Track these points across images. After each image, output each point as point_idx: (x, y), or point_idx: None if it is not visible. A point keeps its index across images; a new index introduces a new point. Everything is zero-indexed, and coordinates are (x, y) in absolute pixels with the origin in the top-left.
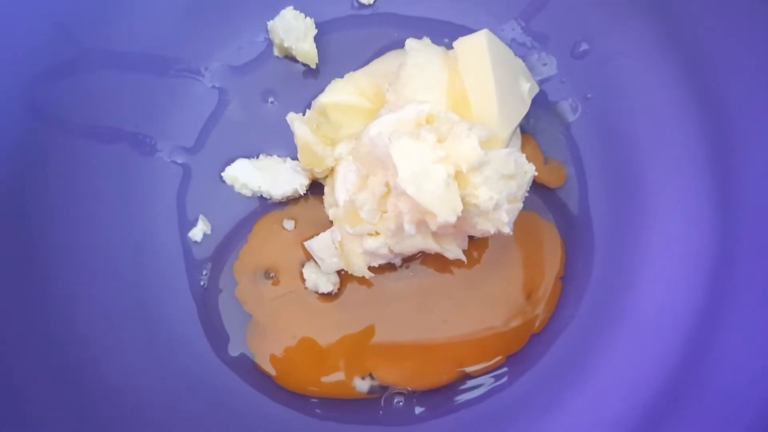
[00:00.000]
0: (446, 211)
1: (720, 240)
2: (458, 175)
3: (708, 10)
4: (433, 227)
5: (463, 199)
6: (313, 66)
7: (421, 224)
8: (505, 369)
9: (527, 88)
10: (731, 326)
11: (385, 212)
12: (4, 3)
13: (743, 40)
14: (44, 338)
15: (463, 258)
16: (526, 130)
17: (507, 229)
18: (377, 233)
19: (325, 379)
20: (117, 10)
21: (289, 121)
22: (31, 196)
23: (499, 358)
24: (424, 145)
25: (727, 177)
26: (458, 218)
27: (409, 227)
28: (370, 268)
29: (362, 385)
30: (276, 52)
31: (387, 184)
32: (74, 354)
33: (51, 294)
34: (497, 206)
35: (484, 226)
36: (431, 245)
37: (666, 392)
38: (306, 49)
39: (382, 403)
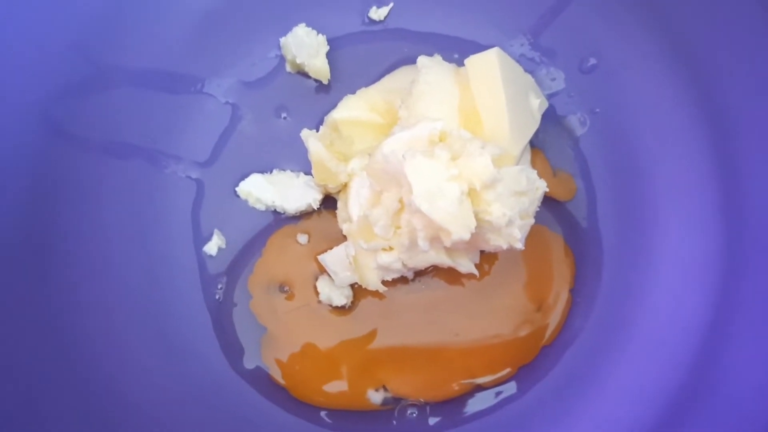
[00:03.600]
0: (460, 228)
1: (728, 252)
2: (471, 193)
3: (714, 25)
4: (447, 244)
5: (476, 216)
6: (325, 82)
7: (435, 240)
8: (516, 380)
9: (537, 104)
10: (739, 337)
11: (399, 228)
12: (24, 24)
13: (749, 54)
14: (59, 351)
15: (476, 272)
16: (535, 144)
17: (519, 245)
18: (391, 248)
19: (339, 390)
20: (132, 28)
21: (303, 138)
22: (49, 211)
23: (510, 369)
24: (437, 163)
25: (734, 190)
26: (471, 234)
27: (423, 243)
28: (383, 282)
29: (376, 397)
30: (288, 68)
31: (401, 200)
32: (91, 366)
33: (67, 307)
34: (510, 222)
35: (497, 242)
36: (444, 260)
37: (675, 403)
38: (318, 66)
39: (396, 414)
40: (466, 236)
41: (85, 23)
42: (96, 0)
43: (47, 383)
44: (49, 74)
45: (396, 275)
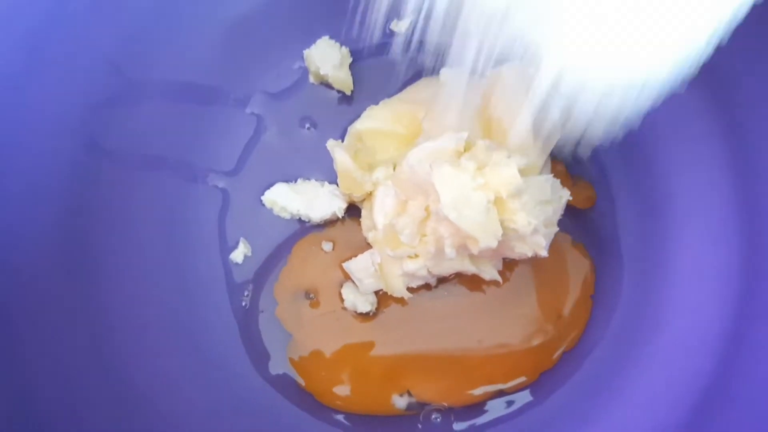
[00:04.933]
0: (487, 237)
1: (746, 261)
2: (497, 202)
3: (736, 44)
4: (475, 251)
5: (502, 224)
6: (348, 93)
7: (461, 248)
8: (537, 386)
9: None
10: (760, 344)
11: (425, 236)
12: (60, 41)
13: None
14: (91, 356)
15: (499, 279)
16: (554, 152)
17: (544, 252)
18: (416, 255)
19: (364, 395)
20: (161, 44)
21: (329, 148)
22: (82, 222)
23: (531, 375)
24: (464, 173)
25: (753, 200)
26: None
27: (450, 251)
28: (408, 289)
29: (400, 402)
30: (312, 80)
31: (426, 209)
32: (121, 372)
33: (99, 315)
34: (535, 231)
35: (522, 250)
36: (468, 267)
37: (695, 412)
38: (342, 77)
39: (421, 418)
40: (494, 244)
41: (117, 40)
42: (127, 17)
43: (80, 389)
44: (84, 89)
45: (421, 282)
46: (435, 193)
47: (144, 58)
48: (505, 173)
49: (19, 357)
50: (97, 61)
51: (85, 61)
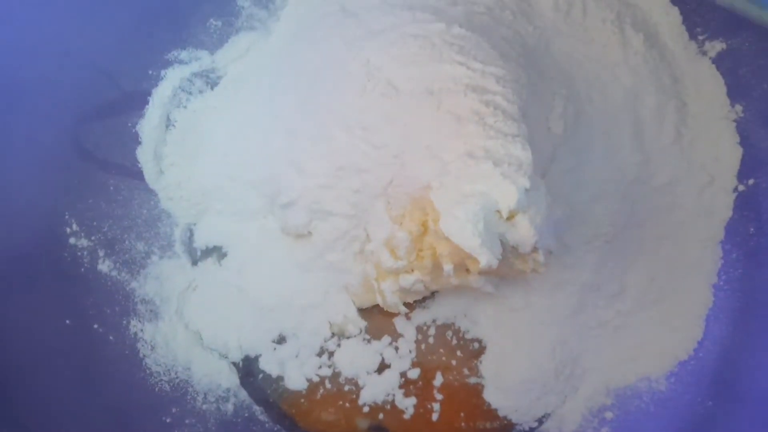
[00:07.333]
0: (488, 256)
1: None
2: (498, 219)
3: None
4: (474, 270)
5: (501, 243)
6: None
7: (459, 265)
8: None
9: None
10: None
11: (421, 251)
12: (55, 51)
13: None
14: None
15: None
16: None
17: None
18: (413, 270)
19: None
20: (154, 56)
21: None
22: (72, 229)
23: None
24: (464, 191)
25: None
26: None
27: (448, 268)
28: (404, 304)
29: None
30: None
31: (423, 224)
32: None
33: (84, 336)
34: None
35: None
36: (465, 282)
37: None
38: None
39: None
40: (494, 264)
41: (111, 51)
42: (121, 29)
43: None
44: (77, 98)
45: (418, 297)
46: (434, 211)
47: (137, 69)
48: (506, 191)
49: None
50: (90, 71)
51: (78, 71)
